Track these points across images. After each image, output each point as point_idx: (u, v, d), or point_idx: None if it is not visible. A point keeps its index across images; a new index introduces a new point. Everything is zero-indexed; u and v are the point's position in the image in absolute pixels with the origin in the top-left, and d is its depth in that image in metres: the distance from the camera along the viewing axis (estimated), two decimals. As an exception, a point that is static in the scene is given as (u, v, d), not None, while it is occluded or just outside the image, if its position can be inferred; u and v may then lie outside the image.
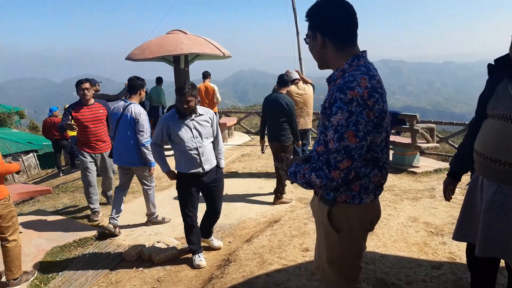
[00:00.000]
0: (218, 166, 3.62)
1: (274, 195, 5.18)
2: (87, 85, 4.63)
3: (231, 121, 10.67)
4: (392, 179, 6.15)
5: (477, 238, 2.05)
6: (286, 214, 4.66)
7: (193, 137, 3.37)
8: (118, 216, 4.33)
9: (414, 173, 6.48)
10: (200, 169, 3.41)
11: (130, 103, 4.24)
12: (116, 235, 4.29)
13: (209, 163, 3.46)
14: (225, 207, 5.03)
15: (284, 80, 5.28)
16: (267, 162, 7.57)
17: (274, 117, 5.07)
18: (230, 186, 5.98)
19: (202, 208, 3.70)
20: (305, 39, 1.75)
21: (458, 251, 3.34)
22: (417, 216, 4.26)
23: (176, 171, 3.54)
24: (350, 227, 1.73)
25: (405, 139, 7.35)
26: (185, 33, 9.00)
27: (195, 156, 3.38)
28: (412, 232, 3.83)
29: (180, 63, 9.00)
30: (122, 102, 4.31)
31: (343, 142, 1.52)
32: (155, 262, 3.65)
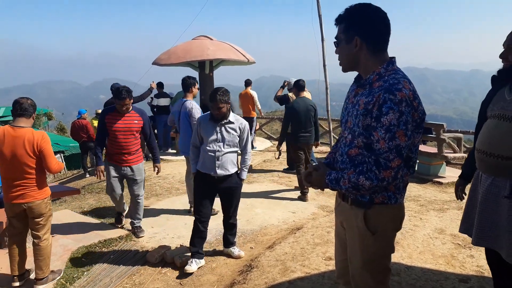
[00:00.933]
0: (239, 176, 3.66)
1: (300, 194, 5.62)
2: (127, 101, 4.04)
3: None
4: (417, 189, 6.03)
5: None
6: (308, 221, 4.63)
7: (216, 141, 3.47)
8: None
9: (440, 183, 6.33)
10: (211, 172, 3.48)
11: (186, 101, 4.84)
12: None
13: (223, 169, 3.50)
14: (247, 212, 5.06)
15: (302, 85, 5.78)
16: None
17: (307, 120, 5.52)
18: (252, 192, 6.00)
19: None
20: (335, 42, 1.78)
21: (486, 265, 3.21)
22: (443, 228, 4.15)
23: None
24: (385, 228, 1.78)
25: (431, 149, 7.20)
26: (211, 39, 9.13)
27: (211, 158, 3.47)
28: (439, 244, 3.73)
29: (205, 68, 9.12)
30: (180, 100, 4.96)
31: (395, 141, 1.57)
32: (177, 265, 3.68)
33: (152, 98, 9.26)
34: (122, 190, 4.46)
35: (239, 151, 3.70)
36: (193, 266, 3.53)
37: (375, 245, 1.77)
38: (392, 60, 1.74)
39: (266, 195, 5.87)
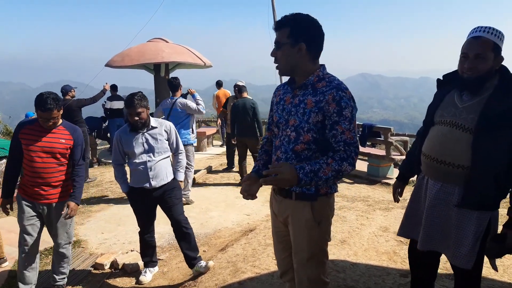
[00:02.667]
0: (175, 178, 3.46)
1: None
2: (54, 114, 2.86)
3: (210, 130, 10.70)
4: (366, 190, 6.29)
5: (419, 234, 2.24)
6: (261, 223, 4.71)
7: (143, 152, 3.24)
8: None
9: (388, 184, 6.63)
10: (147, 184, 3.24)
11: (176, 99, 5.40)
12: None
13: (158, 179, 3.27)
14: (202, 216, 5.06)
15: (242, 88, 6.83)
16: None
17: (246, 116, 6.43)
18: (207, 195, 6.01)
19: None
20: (276, 45, 1.86)
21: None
22: (388, 226, 4.37)
23: None
24: (328, 217, 1.95)
25: (379, 151, 7.54)
26: (166, 42, 9.03)
27: (143, 170, 3.23)
28: (383, 241, 3.93)
29: (160, 71, 9.00)
30: (169, 99, 5.45)
31: (354, 131, 1.78)
32: (128, 271, 3.62)
33: (105, 101, 9.01)
34: (38, 239, 3.08)
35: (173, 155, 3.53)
36: (147, 276, 3.46)
37: (320, 235, 1.92)
38: (323, 65, 1.92)
39: (222, 198, 5.89)
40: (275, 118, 2.03)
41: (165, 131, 3.34)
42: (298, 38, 1.79)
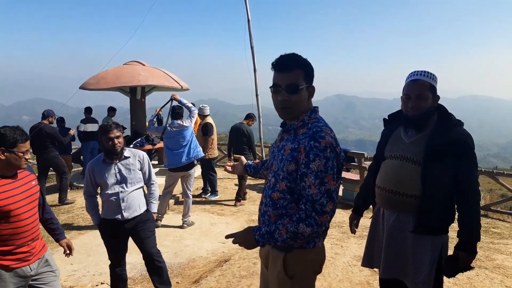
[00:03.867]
0: (148, 210, 3.37)
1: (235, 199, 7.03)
2: (27, 146, 2.33)
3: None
4: (341, 215, 6.35)
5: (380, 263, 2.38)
6: (237, 252, 4.65)
7: (116, 183, 3.16)
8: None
9: (362, 209, 6.73)
10: (119, 216, 3.17)
11: (176, 122, 5.62)
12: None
13: (130, 211, 3.19)
14: (175, 245, 4.96)
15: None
16: (221, 196, 7.57)
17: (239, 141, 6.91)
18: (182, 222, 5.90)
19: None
20: (294, 88, 1.70)
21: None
22: (361, 255, 4.39)
23: None
24: (304, 273, 1.79)
25: (354, 176, 7.67)
26: (143, 65, 9.02)
27: (115, 202, 3.15)
28: (357, 272, 3.95)
29: (136, 94, 8.95)
30: (176, 122, 5.60)
31: (324, 186, 1.61)
32: (97, 306, 3.49)
33: (79, 124, 8.85)
34: None
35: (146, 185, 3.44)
36: None
37: None
38: (315, 109, 1.81)
39: (197, 225, 5.80)
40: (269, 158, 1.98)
41: (138, 161, 3.28)
42: (310, 80, 1.75)
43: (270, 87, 1.78)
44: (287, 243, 1.65)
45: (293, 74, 1.69)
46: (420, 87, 2.20)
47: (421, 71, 2.23)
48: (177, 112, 5.65)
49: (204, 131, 6.91)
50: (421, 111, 2.21)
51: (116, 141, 3.09)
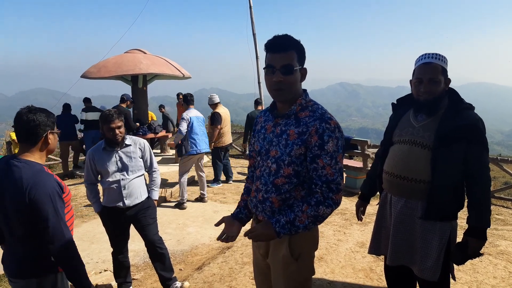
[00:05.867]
0: (149, 197, 3.37)
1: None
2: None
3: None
4: (344, 202, 6.34)
5: (387, 250, 2.33)
6: (239, 239, 4.66)
7: (117, 170, 3.15)
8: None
9: (365, 197, 6.71)
10: (120, 203, 3.17)
11: (192, 109, 6.32)
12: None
13: (132, 198, 3.20)
14: (178, 232, 4.97)
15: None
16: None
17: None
18: (185, 210, 5.92)
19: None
20: (289, 69, 1.66)
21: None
22: (365, 241, 4.41)
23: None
24: (307, 252, 1.81)
25: (357, 163, 7.63)
26: (144, 53, 8.95)
27: (117, 189, 3.15)
28: (360, 258, 3.95)
29: (138, 82, 8.90)
30: (186, 110, 6.27)
31: (338, 165, 1.67)
32: (101, 292, 3.51)
33: (80, 113, 8.84)
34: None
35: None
36: None
37: (299, 271, 1.79)
38: (306, 91, 1.81)
39: (199, 213, 5.82)
40: (256, 146, 1.93)
41: (139, 148, 3.26)
42: (303, 62, 1.73)
43: (263, 68, 1.74)
44: (308, 228, 1.67)
45: (287, 54, 1.66)
46: (433, 71, 2.10)
47: (432, 54, 2.13)
48: (189, 99, 6.34)
49: (212, 120, 7.03)
50: (435, 95, 2.12)
51: (117, 131, 3.08)
